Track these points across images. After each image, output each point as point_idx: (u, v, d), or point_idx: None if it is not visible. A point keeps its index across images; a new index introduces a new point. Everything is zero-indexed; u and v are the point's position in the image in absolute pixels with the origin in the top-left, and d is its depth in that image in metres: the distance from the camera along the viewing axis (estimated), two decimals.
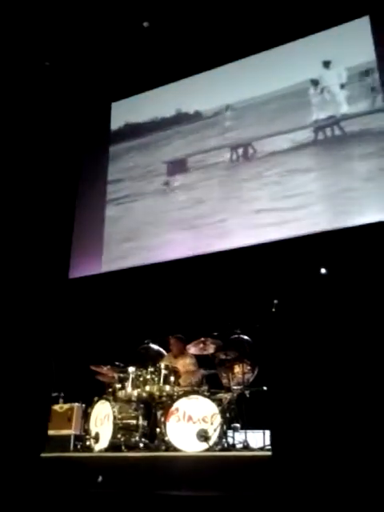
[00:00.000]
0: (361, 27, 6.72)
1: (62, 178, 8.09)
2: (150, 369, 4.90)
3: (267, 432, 4.57)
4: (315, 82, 6.85)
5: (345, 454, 3.65)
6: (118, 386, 4.95)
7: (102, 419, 4.81)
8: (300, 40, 7.10)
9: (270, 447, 4.25)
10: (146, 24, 7.42)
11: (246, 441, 4.34)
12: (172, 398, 4.63)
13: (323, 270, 5.92)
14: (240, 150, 7.11)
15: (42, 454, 4.82)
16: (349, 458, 3.58)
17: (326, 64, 6.82)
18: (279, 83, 7.04)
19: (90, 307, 7.07)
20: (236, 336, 5.22)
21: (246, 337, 5.24)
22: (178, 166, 7.52)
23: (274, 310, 4.86)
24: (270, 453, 3.82)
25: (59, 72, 8.08)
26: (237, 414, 4.64)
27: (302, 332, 5.57)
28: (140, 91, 8.19)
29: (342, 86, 6.65)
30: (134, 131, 8.12)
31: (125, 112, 8.31)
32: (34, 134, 8.11)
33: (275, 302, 4.88)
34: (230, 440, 4.40)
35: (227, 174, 7.08)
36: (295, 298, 5.63)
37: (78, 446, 4.97)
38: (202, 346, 5.04)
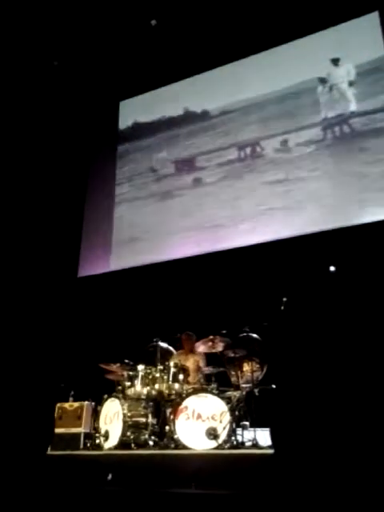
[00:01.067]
0: (370, 23, 6.67)
1: (71, 177, 8.12)
2: (160, 367, 4.92)
3: None
4: (324, 80, 6.80)
5: (349, 452, 3.65)
6: (128, 383, 4.98)
7: (112, 417, 4.84)
8: (308, 37, 7.05)
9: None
10: (153, 22, 7.42)
11: (255, 439, 4.35)
12: (181, 396, 4.65)
13: (332, 268, 5.90)
14: (248, 149, 7.09)
15: (52, 452, 4.87)
16: (353, 456, 3.58)
17: (335, 61, 6.77)
18: (288, 81, 7.01)
19: (98, 305, 7.10)
20: (245, 334, 5.22)
21: (254, 335, 5.24)
22: (186, 165, 7.52)
23: (282, 307, 4.86)
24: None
25: (67, 71, 8.11)
26: (246, 412, 4.65)
27: (310, 330, 5.57)
28: (148, 90, 8.19)
29: (351, 84, 6.60)
30: (142, 130, 8.12)
31: (133, 111, 8.32)
32: (42, 134, 8.15)
33: (284, 299, 4.88)
34: (239, 438, 4.40)
35: (235, 172, 7.06)
36: (304, 296, 5.62)
37: (88, 444, 4.99)
38: (210, 344, 5.06)
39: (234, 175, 7.06)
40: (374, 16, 6.69)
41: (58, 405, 5.42)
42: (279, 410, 4.58)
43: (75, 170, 8.18)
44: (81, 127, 8.40)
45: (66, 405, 5.38)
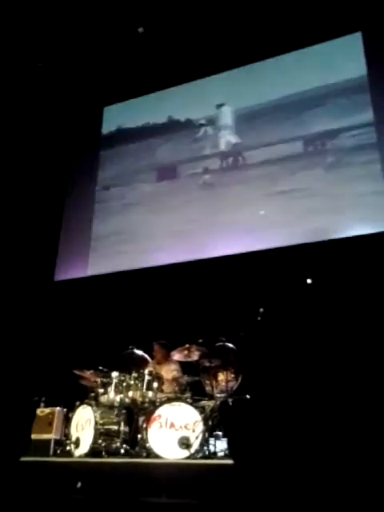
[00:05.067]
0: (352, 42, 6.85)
1: (51, 179, 8.05)
2: (134, 374, 4.87)
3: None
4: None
5: (316, 462, 3.66)
6: (101, 390, 4.91)
7: (84, 424, 4.76)
8: (297, 51, 7.18)
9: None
10: (140, 29, 7.45)
11: (227, 449, 4.33)
12: (155, 405, 4.61)
13: (309, 281, 5.96)
14: (230, 159, 7.15)
15: (22, 458, 4.77)
16: (319, 466, 3.60)
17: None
18: (272, 95, 7.11)
19: (74, 310, 7.03)
20: (221, 344, 5.22)
21: (230, 345, 5.25)
22: (167, 173, 7.53)
23: (259, 318, 4.88)
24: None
25: (52, 74, 8.07)
26: (219, 422, 4.63)
27: (285, 341, 5.61)
28: (133, 96, 8.21)
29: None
30: (125, 136, 8.12)
31: (117, 117, 8.32)
32: (23, 136, 8.06)
33: (261, 310, 4.90)
34: (212, 448, 4.36)
35: (216, 182, 7.11)
36: (280, 308, 5.66)
37: (58, 451, 4.90)
38: (186, 352, 5.05)
39: (215, 185, 7.10)
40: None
41: None
42: (243, 420, 4.58)
43: (55, 173, 8.12)
44: (63, 130, 8.35)
45: (37, 411, 5.27)
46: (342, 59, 6.81)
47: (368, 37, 6.76)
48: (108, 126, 8.34)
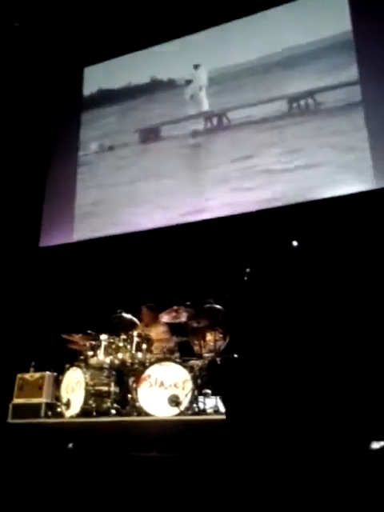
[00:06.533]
0: None
1: (33, 143, 7.88)
2: (123, 336, 4.91)
3: None
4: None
5: (302, 422, 3.75)
6: (90, 353, 4.95)
7: (74, 386, 4.81)
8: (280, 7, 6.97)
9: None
10: None
11: (216, 406, 4.41)
12: (144, 365, 4.67)
13: (295, 243, 5.98)
14: (214, 119, 7.03)
15: (12, 421, 4.83)
16: (305, 425, 3.68)
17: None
18: (256, 52, 6.95)
19: (61, 276, 7.00)
20: (208, 305, 5.26)
21: (218, 306, 5.28)
22: (150, 134, 7.40)
23: (245, 278, 4.90)
24: None
25: (29, 34, 7.78)
26: (208, 381, 4.71)
27: (271, 301, 5.66)
28: (114, 56, 7.97)
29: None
30: (107, 97, 7.92)
31: (98, 77, 8.09)
32: (3, 99, 7.83)
33: (248, 270, 4.92)
34: (201, 405, 4.45)
35: (201, 143, 7.01)
36: (266, 269, 5.69)
37: (49, 413, 4.96)
38: (174, 314, 5.09)
39: (199, 146, 7.00)
40: None
41: (19, 375, 5.35)
42: (235, 378, 4.66)
43: (37, 137, 7.93)
44: (43, 93, 8.11)
45: (27, 375, 5.31)
46: (325, 15, 6.64)
47: None
48: (89, 88, 8.13)
